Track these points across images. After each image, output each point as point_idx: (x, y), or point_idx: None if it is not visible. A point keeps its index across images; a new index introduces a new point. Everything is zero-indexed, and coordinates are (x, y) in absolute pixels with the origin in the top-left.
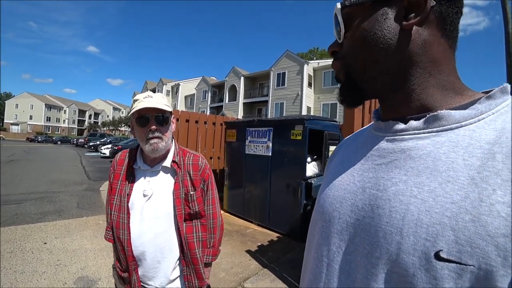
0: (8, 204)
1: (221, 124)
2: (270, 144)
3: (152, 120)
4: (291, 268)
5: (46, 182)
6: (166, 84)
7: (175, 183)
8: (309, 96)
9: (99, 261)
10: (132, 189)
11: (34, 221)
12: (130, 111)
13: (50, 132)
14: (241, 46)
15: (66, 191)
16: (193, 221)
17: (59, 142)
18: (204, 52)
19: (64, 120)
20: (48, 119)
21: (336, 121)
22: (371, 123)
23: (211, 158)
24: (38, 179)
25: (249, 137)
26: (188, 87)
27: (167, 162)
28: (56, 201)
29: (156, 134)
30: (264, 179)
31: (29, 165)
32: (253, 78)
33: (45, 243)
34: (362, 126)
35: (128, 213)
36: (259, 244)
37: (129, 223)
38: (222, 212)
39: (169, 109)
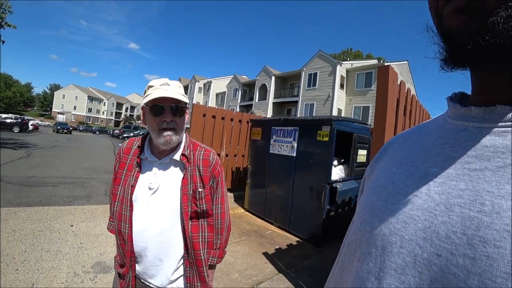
0: (45, 186)
1: (247, 122)
2: (295, 144)
3: (167, 110)
4: (308, 276)
5: (81, 168)
6: (198, 81)
7: (183, 178)
8: (341, 98)
9: None
10: (137, 181)
11: (65, 204)
12: (144, 97)
13: (90, 122)
14: (273, 46)
15: (97, 178)
16: (200, 220)
17: (97, 132)
18: (237, 50)
19: (103, 112)
20: (90, 110)
21: (367, 124)
22: (441, 114)
23: (235, 155)
24: (74, 165)
25: (274, 136)
26: (220, 84)
27: (177, 155)
28: (86, 186)
29: (171, 125)
30: (287, 180)
31: (68, 151)
32: (284, 77)
33: (72, 226)
34: (395, 130)
35: (131, 205)
36: (277, 247)
37: (131, 216)
38: (242, 210)
39: (186, 99)
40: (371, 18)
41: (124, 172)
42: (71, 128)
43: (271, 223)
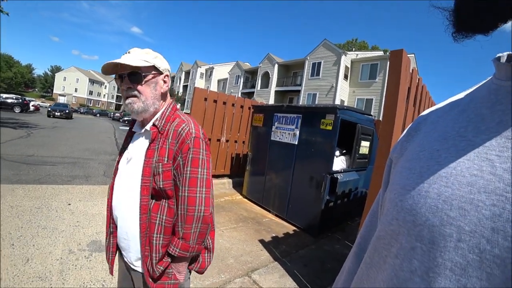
0: (44, 164)
1: (249, 108)
2: (298, 132)
3: (126, 78)
4: (303, 265)
5: (81, 149)
6: (200, 67)
7: (148, 149)
8: (344, 89)
9: None
10: (123, 152)
11: (64, 183)
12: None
13: (91, 105)
14: (278, 33)
15: (96, 159)
16: (161, 200)
17: (98, 115)
18: (241, 37)
19: (104, 95)
20: (91, 92)
21: (371, 115)
22: (484, 81)
23: (235, 141)
24: (73, 146)
25: (276, 123)
26: (222, 71)
27: (148, 126)
28: (85, 167)
29: (130, 92)
30: (287, 168)
31: (69, 132)
32: (287, 66)
33: (69, 204)
34: (405, 121)
35: (115, 175)
36: (273, 235)
37: (112, 185)
38: (240, 197)
39: (146, 64)
40: (377, 9)
41: (123, 144)
42: (71, 110)
43: (269, 211)
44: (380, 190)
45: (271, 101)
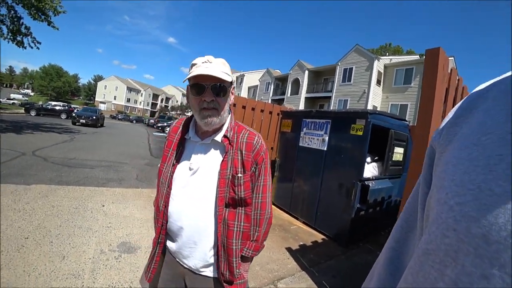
0: (84, 167)
1: (278, 114)
2: (327, 138)
3: (208, 89)
4: (331, 276)
5: (116, 153)
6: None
7: (222, 161)
8: (377, 95)
9: (143, 230)
10: (179, 160)
11: (99, 185)
12: (188, 75)
13: (128, 111)
14: (309, 41)
15: (130, 163)
16: (237, 208)
17: (134, 121)
18: (271, 44)
19: (140, 102)
20: (128, 100)
21: (406, 121)
22: None
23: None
24: (110, 150)
25: (304, 129)
26: (252, 78)
27: (218, 137)
28: (120, 170)
29: (212, 105)
30: (315, 175)
31: (107, 137)
32: (317, 72)
33: (103, 206)
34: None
35: (170, 184)
36: (301, 243)
37: (169, 194)
38: None
39: (229, 78)
40: (412, 12)
41: (170, 150)
42: (101, 117)
43: (297, 218)
44: (417, 184)
45: (301, 107)
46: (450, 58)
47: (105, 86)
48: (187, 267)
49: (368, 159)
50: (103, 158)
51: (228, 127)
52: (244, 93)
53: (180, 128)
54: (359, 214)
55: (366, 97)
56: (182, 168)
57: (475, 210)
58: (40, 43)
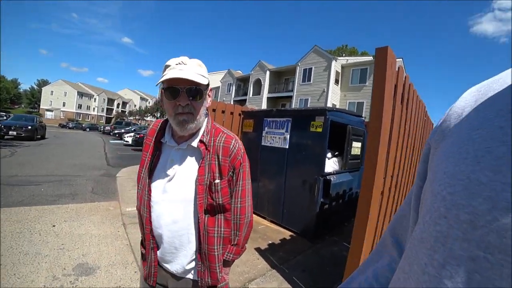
0: (29, 185)
1: (239, 114)
2: (288, 136)
3: (183, 93)
4: (301, 271)
5: (68, 165)
6: None
7: (199, 167)
8: (335, 93)
9: (102, 248)
10: (156, 166)
11: (49, 203)
12: (161, 78)
13: (80, 119)
14: (269, 41)
15: (84, 176)
16: (217, 214)
17: (87, 129)
18: (231, 45)
19: (94, 108)
20: (80, 106)
21: (362, 117)
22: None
23: None
24: (61, 162)
25: (266, 128)
26: (214, 79)
27: (195, 142)
28: (72, 184)
29: (187, 109)
30: (279, 173)
31: (56, 149)
32: (278, 72)
33: (54, 226)
34: (393, 118)
35: (150, 190)
36: (270, 242)
37: (149, 201)
38: None
39: (205, 80)
40: (366, 17)
41: (147, 154)
42: (38, 127)
43: (264, 218)
44: (415, 183)
45: (264, 107)
46: (398, 60)
47: (52, 91)
48: (170, 271)
49: (329, 155)
50: (51, 173)
51: (204, 131)
52: None
53: (157, 131)
54: (323, 208)
55: (325, 96)
56: (159, 173)
57: (464, 198)
58: None
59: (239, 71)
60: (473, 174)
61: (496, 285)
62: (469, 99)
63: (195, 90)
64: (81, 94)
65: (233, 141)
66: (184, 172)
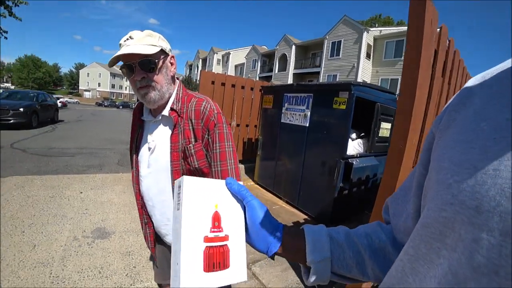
0: (64, 156)
1: (260, 90)
2: (308, 113)
3: (136, 67)
4: None
5: (99, 139)
6: (217, 53)
7: (172, 134)
8: (366, 69)
9: (119, 215)
10: (140, 142)
11: (79, 172)
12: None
13: (114, 97)
14: (294, 12)
15: (112, 149)
16: None
17: (120, 107)
18: (256, 19)
19: (126, 87)
20: (113, 86)
21: (394, 94)
22: None
23: (247, 125)
24: (93, 137)
25: (286, 104)
26: (239, 56)
27: (166, 111)
28: (101, 156)
29: (145, 83)
30: (298, 152)
31: (91, 125)
32: (305, 47)
33: (81, 193)
34: (430, 94)
35: (137, 165)
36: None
37: (138, 176)
38: (252, 183)
39: (156, 49)
40: None
41: (134, 133)
42: (47, 106)
43: (280, 198)
44: (416, 168)
45: None
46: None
47: (88, 73)
48: (167, 243)
49: (353, 135)
50: (84, 146)
51: (174, 99)
52: (231, 71)
53: (137, 111)
54: (342, 194)
55: (355, 71)
56: (143, 149)
57: (471, 186)
58: (6, 32)
59: (264, 47)
60: (480, 163)
61: (496, 263)
62: (474, 87)
63: (147, 62)
64: (113, 75)
65: (204, 103)
66: (161, 143)
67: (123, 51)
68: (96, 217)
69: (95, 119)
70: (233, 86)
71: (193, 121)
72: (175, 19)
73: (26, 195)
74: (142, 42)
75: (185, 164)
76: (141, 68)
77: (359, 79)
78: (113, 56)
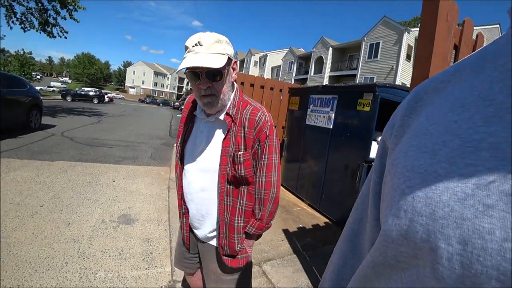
0: (103, 146)
1: (288, 92)
2: (333, 115)
3: (203, 76)
4: (324, 263)
5: (137, 134)
6: (254, 55)
7: (224, 139)
8: (406, 71)
9: (145, 205)
10: (188, 137)
11: (115, 162)
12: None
13: (156, 95)
14: (333, 14)
15: (148, 143)
16: (240, 186)
17: (161, 104)
18: (294, 23)
19: (167, 86)
20: (156, 84)
21: None
22: (501, 36)
23: (275, 127)
24: (132, 131)
25: (311, 106)
26: (275, 58)
27: (222, 115)
28: (136, 149)
29: (209, 92)
30: (321, 155)
31: (131, 120)
32: (342, 49)
33: (114, 181)
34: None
35: (182, 159)
36: (300, 226)
37: (182, 168)
38: None
39: (224, 59)
40: None
41: (183, 126)
42: (31, 101)
43: (302, 200)
44: (370, 176)
45: None
46: (494, 26)
47: (134, 71)
48: (198, 236)
49: (378, 138)
50: (123, 139)
51: (231, 104)
52: (267, 74)
53: (192, 104)
54: None
55: (394, 73)
56: (191, 144)
57: (423, 191)
58: (67, 32)
59: (301, 49)
60: (430, 167)
61: (458, 273)
62: (423, 91)
63: (214, 72)
64: (157, 74)
65: (259, 113)
66: (212, 143)
67: (192, 61)
68: (123, 204)
69: (137, 114)
70: (261, 87)
71: (246, 129)
72: (218, 21)
73: (68, 179)
74: (211, 50)
75: (231, 170)
76: (207, 77)
77: (398, 82)
78: (183, 66)
